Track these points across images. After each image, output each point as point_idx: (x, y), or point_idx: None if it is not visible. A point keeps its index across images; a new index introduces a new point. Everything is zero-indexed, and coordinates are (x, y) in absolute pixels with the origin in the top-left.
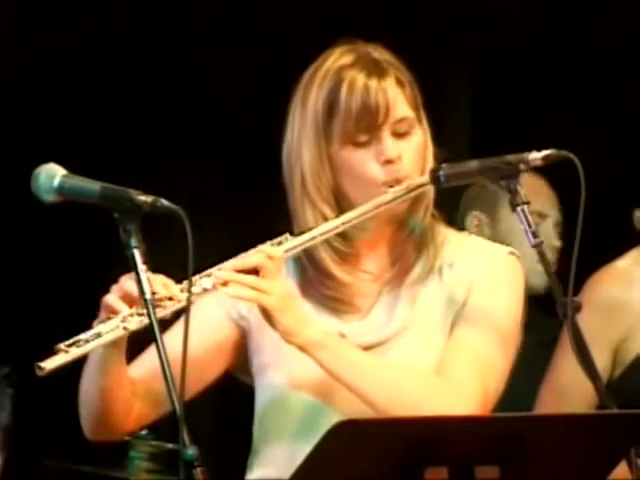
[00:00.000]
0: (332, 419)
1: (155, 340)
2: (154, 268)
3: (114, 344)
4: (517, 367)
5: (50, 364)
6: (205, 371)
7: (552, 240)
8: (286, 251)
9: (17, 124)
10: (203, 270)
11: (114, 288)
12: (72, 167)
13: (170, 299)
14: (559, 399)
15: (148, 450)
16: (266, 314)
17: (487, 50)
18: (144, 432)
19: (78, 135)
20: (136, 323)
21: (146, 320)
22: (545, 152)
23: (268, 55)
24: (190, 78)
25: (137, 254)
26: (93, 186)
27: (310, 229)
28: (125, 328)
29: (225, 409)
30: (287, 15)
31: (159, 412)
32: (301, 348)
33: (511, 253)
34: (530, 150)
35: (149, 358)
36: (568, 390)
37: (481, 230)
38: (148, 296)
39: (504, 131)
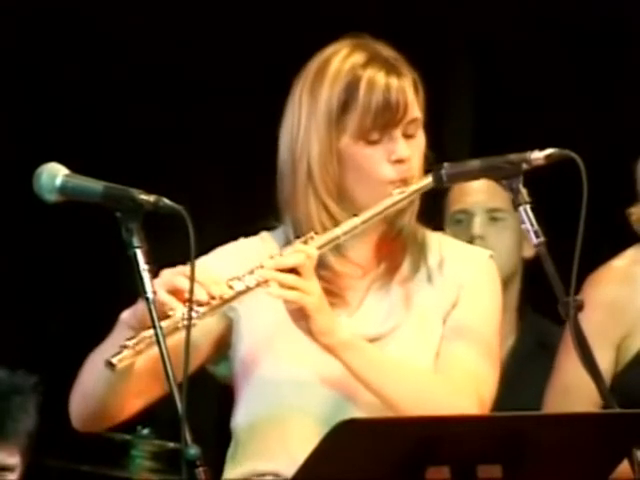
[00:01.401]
0: (346, 416)
1: (158, 343)
2: (156, 267)
3: None
4: (515, 368)
5: (121, 361)
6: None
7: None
8: (319, 248)
9: (18, 124)
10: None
11: (159, 283)
12: (72, 166)
13: (221, 297)
14: (564, 399)
15: (150, 449)
16: (301, 314)
17: (488, 50)
18: (146, 431)
19: (79, 135)
20: (197, 319)
21: (207, 313)
22: (547, 151)
23: (268, 54)
24: (190, 78)
25: (139, 253)
26: (95, 185)
27: (334, 227)
28: (186, 327)
29: (227, 408)
30: (288, 14)
31: (146, 403)
32: (328, 348)
33: (490, 256)
34: (531, 150)
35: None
36: (573, 390)
37: None
38: (150, 295)
39: (505, 131)
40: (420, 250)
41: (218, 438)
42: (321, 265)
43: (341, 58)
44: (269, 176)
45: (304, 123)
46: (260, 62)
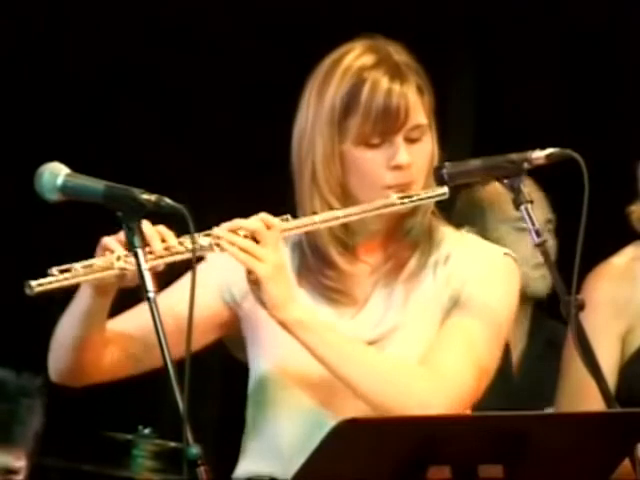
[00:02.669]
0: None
1: (157, 331)
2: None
3: (103, 294)
4: (524, 368)
5: (40, 285)
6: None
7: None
8: (285, 230)
9: (19, 124)
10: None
11: (112, 236)
12: (73, 166)
13: (166, 249)
14: (572, 401)
15: (151, 449)
16: (254, 282)
17: (489, 48)
18: (147, 431)
19: (79, 135)
20: (131, 265)
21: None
22: (548, 151)
23: (269, 54)
24: (191, 78)
25: (140, 253)
26: (97, 185)
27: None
28: (120, 268)
29: (229, 407)
30: (288, 13)
31: (133, 370)
32: (284, 324)
33: (507, 254)
34: (532, 149)
35: (135, 317)
36: (579, 390)
37: None
38: (151, 295)
39: (506, 130)
40: (431, 247)
41: (220, 437)
42: (327, 264)
43: (352, 58)
44: (269, 176)
45: (310, 123)
46: (260, 62)
